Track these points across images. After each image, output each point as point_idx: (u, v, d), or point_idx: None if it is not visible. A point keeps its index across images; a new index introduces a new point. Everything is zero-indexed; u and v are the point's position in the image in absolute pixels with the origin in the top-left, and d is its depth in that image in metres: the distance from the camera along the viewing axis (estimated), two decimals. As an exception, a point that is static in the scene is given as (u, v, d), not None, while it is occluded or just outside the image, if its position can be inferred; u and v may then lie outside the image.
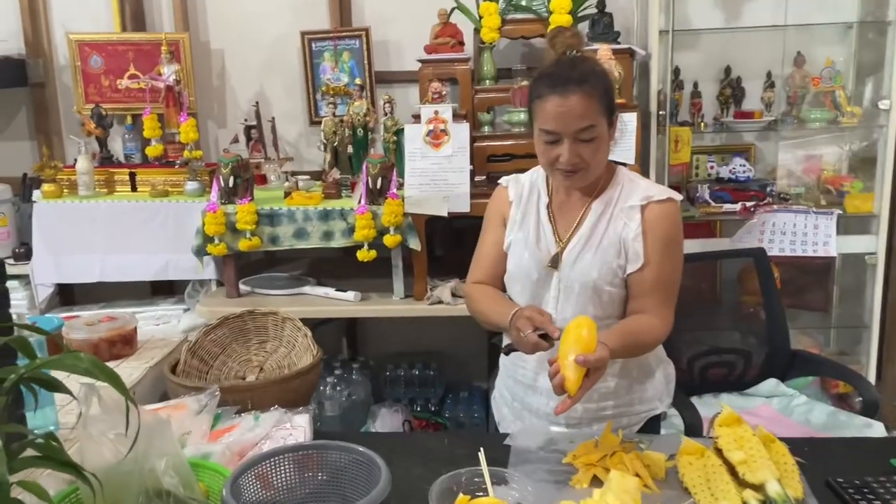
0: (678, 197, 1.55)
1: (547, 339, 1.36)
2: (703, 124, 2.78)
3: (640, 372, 1.58)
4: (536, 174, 1.64)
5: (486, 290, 1.62)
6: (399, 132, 2.74)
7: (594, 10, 2.64)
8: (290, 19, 2.98)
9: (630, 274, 1.50)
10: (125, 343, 1.64)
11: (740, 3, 2.77)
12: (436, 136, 2.41)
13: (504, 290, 1.65)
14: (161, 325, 2.73)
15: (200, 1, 2.99)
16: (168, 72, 2.77)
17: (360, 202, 2.45)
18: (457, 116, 2.42)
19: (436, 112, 2.40)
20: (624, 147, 2.40)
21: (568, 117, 1.41)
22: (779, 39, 2.71)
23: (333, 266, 2.90)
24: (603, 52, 2.39)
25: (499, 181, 1.70)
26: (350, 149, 2.79)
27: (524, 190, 1.62)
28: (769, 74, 2.81)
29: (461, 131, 2.41)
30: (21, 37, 2.98)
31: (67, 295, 2.96)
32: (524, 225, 1.59)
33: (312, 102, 2.99)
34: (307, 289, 2.61)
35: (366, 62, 2.94)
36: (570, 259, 1.52)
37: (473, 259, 1.69)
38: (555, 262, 1.53)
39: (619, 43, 2.55)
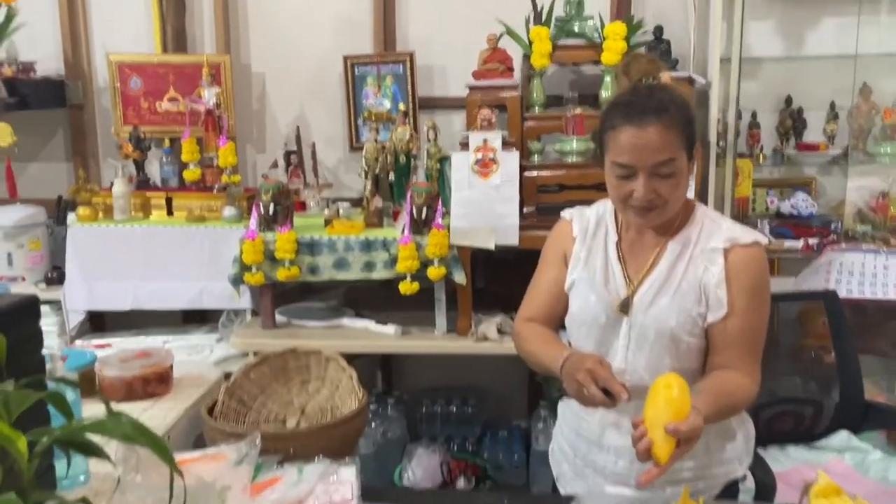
0: (764, 240, 1.42)
1: (611, 396, 1.23)
2: (761, 156, 2.65)
3: (719, 431, 1.43)
4: (603, 208, 1.52)
5: (538, 330, 1.50)
6: (443, 160, 2.65)
7: (650, 37, 2.54)
8: (333, 43, 2.91)
9: (711, 323, 1.37)
10: (160, 381, 1.54)
11: (802, 32, 2.65)
12: (484, 165, 2.31)
13: (557, 331, 1.53)
14: (193, 355, 2.64)
15: (243, 23, 2.94)
16: (209, 95, 2.71)
17: (403, 232, 2.35)
18: (506, 144, 2.32)
19: (484, 140, 2.30)
20: (683, 179, 2.28)
21: (644, 150, 1.30)
22: (843, 69, 2.58)
23: (370, 296, 2.79)
24: (664, 80, 2.28)
25: (561, 214, 1.58)
26: (391, 176, 2.70)
27: (589, 225, 1.50)
28: (833, 105, 2.67)
29: (510, 160, 2.30)
30: (61, 58, 2.95)
31: (98, 321, 2.89)
32: (590, 264, 1.47)
33: (354, 128, 2.91)
34: (345, 321, 2.51)
35: (409, 87, 2.85)
36: (644, 304, 1.39)
37: (527, 295, 1.56)
38: (625, 307, 1.40)
39: (676, 70, 2.44)
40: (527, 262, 2.54)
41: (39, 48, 2.92)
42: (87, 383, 1.56)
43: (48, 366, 1.14)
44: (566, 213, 1.56)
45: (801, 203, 2.56)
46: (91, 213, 2.63)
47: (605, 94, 2.51)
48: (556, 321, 1.52)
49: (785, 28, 2.65)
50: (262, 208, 2.35)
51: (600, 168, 1.41)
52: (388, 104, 2.88)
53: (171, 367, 1.56)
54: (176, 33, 2.89)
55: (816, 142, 2.64)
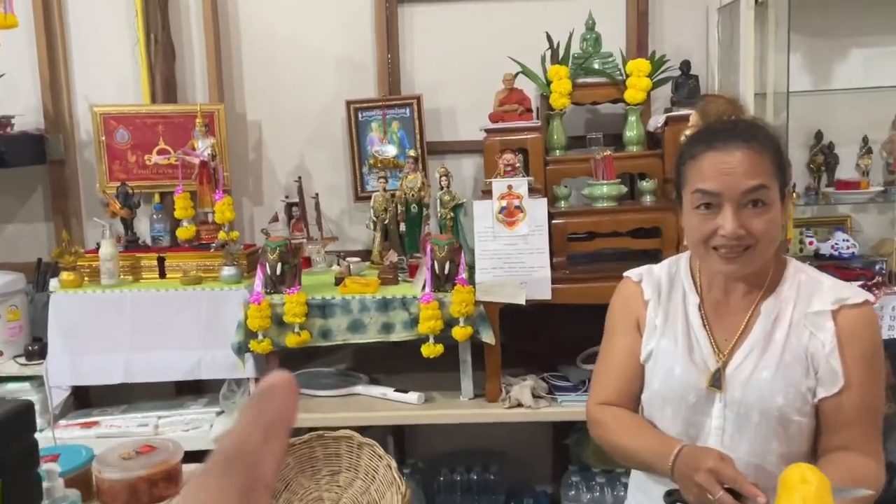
0: (871, 297, 1.24)
1: (739, 497, 1.03)
2: (795, 194, 2.49)
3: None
4: (675, 266, 1.33)
5: (625, 418, 1.29)
6: (457, 208, 2.47)
7: (676, 73, 2.40)
8: (334, 87, 2.74)
9: (824, 399, 1.18)
10: (168, 481, 1.31)
11: (829, 65, 2.53)
12: (510, 214, 2.13)
13: (637, 411, 1.33)
14: (191, 430, 2.40)
15: (237, 70, 2.77)
16: (203, 146, 2.51)
17: (424, 289, 2.15)
18: (532, 191, 2.14)
19: (509, 186, 2.13)
20: (724, 223, 2.11)
21: (732, 174, 1.13)
22: (876, 101, 2.45)
23: (381, 356, 2.57)
24: (695, 117, 2.13)
25: (625, 274, 1.39)
26: (402, 227, 2.51)
27: (662, 285, 1.32)
28: (865, 139, 2.54)
29: (538, 208, 2.13)
30: (41, 110, 2.74)
31: (81, 392, 2.62)
32: (669, 331, 1.28)
33: (359, 176, 2.73)
34: (360, 388, 2.28)
35: (417, 132, 2.68)
36: (740, 378, 1.20)
37: (598, 373, 1.37)
38: (717, 382, 1.21)
39: (707, 107, 2.29)
40: (552, 316, 2.38)
41: (17, 100, 2.72)
42: (84, 486, 1.33)
43: (45, 485, 0.92)
44: (632, 274, 1.37)
45: (841, 243, 2.40)
46: (75, 278, 2.40)
47: (630, 133, 2.36)
48: (636, 400, 1.32)
49: (811, 62, 2.53)
50: (267, 268, 2.14)
51: (676, 212, 1.23)
52: (394, 150, 2.71)
53: (181, 462, 1.34)
54: (165, 82, 2.70)
55: (852, 178, 2.50)
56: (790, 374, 1.18)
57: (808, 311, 1.20)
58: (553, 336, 2.45)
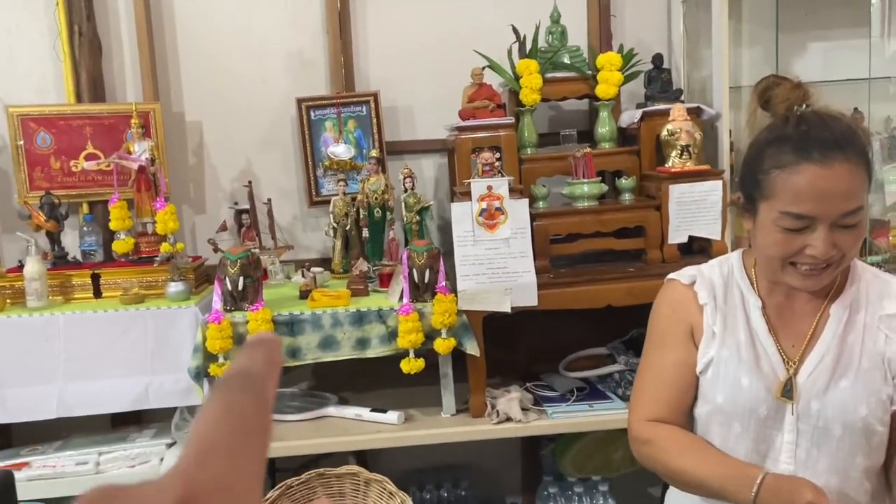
0: None
1: None
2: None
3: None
4: (727, 267, 1.24)
5: (682, 437, 1.18)
6: (423, 211, 2.33)
7: (647, 67, 2.33)
8: (282, 85, 2.54)
9: None
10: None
11: (804, 56, 2.52)
12: (490, 216, 2.00)
13: (687, 425, 1.22)
14: (137, 465, 2.15)
15: (172, 65, 2.52)
16: (140, 149, 2.26)
17: (401, 300, 1.99)
18: (513, 191, 2.02)
19: (489, 187, 2.00)
20: (708, 220, 2.06)
21: (832, 197, 1.03)
22: (855, 93, 2.46)
23: (346, 373, 2.39)
24: (677, 111, 2.07)
25: (671, 277, 1.28)
26: (365, 232, 2.35)
27: (716, 288, 1.21)
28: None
29: (520, 209, 2.01)
30: (-56, 112, 2.41)
31: (3, 432, 2.31)
32: (730, 338, 1.17)
33: (313, 179, 2.53)
34: (332, 410, 2.10)
35: (375, 131, 2.52)
36: (816, 387, 1.11)
37: (644, 386, 1.25)
38: (788, 392, 1.11)
39: (682, 102, 2.24)
40: (528, 322, 2.26)
41: (-85, 101, 2.39)
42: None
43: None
44: (681, 277, 1.26)
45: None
46: (-3, 301, 2.11)
47: (603, 130, 2.27)
48: (688, 415, 1.21)
49: (802, 52, 2.51)
50: (227, 283, 1.93)
51: (747, 217, 1.12)
52: (346, 151, 2.53)
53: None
54: (91, 79, 2.43)
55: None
56: (870, 382, 1.10)
57: (882, 314, 1.12)
58: (530, 343, 2.34)
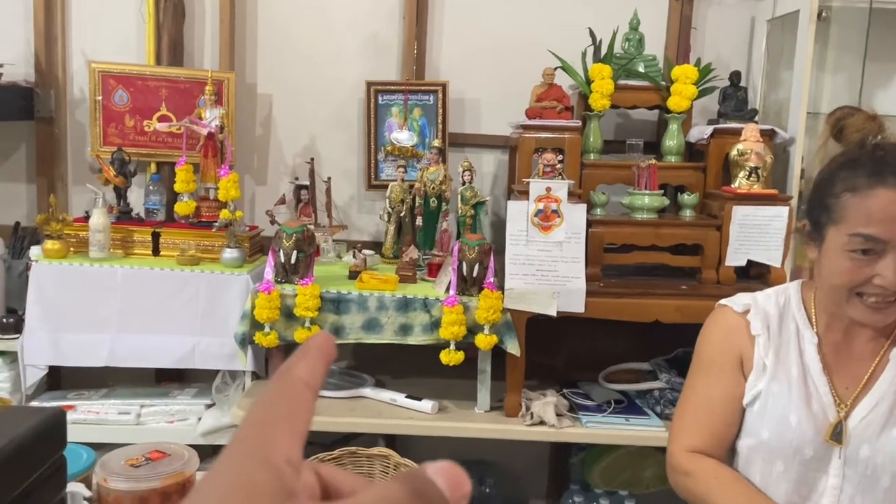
0: None
1: None
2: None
3: None
4: (784, 298, 1.20)
5: (725, 474, 1.14)
6: (478, 205, 2.33)
7: (723, 84, 2.28)
8: (354, 66, 2.57)
9: None
10: (183, 494, 1.14)
11: (885, 87, 2.44)
12: (545, 218, 1.98)
13: (726, 459, 1.19)
14: (176, 422, 2.21)
15: (250, 37, 2.57)
16: (210, 116, 2.32)
17: (448, 291, 2.00)
18: (571, 195, 2.00)
19: (548, 189, 1.98)
20: (769, 245, 2.01)
21: None
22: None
23: (385, 357, 2.41)
24: (750, 131, 2.02)
25: (723, 303, 1.25)
26: (419, 220, 2.36)
27: (771, 319, 1.18)
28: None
29: (577, 214, 1.99)
30: (31, 62, 2.51)
31: (53, 375, 2.40)
32: (781, 373, 1.14)
33: (373, 163, 2.56)
34: (368, 391, 2.12)
35: (440, 122, 2.52)
36: (868, 433, 1.07)
37: (687, 413, 1.22)
38: (838, 436, 1.08)
39: (756, 122, 2.18)
40: (572, 328, 2.24)
41: (6, 49, 2.48)
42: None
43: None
44: (734, 304, 1.22)
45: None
46: (61, 248, 2.19)
47: (671, 143, 2.23)
48: (729, 448, 1.18)
49: (871, 83, 2.42)
50: (281, 255, 1.96)
51: (812, 246, 1.09)
52: (410, 139, 2.55)
53: (195, 473, 1.17)
54: (172, 43, 2.49)
55: None
56: None
57: None
58: (571, 349, 2.32)
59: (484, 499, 2.61)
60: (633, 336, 2.23)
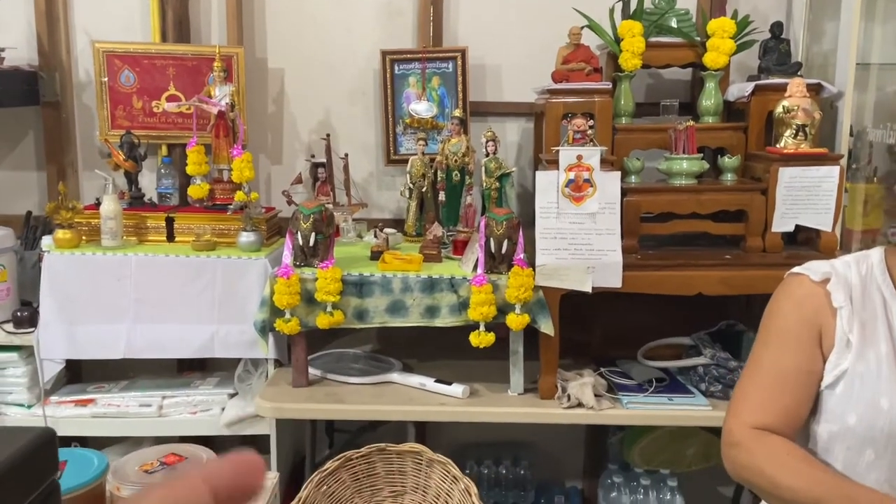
0: None
1: None
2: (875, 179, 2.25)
3: None
4: (866, 266, 1.07)
5: (797, 451, 1.03)
6: (503, 177, 2.21)
7: (763, 37, 2.13)
8: (367, 36, 2.44)
9: None
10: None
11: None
12: (577, 188, 1.86)
13: (797, 440, 1.07)
14: (199, 413, 2.15)
15: (258, 10, 2.45)
16: (220, 93, 2.21)
17: (475, 269, 1.89)
18: (604, 162, 1.87)
19: (579, 157, 1.86)
20: (819, 209, 1.87)
21: None
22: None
23: (411, 339, 2.31)
24: (796, 86, 1.87)
25: (796, 270, 1.12)
26: (441, 195, 2.24)
27: (853, 290, 1.05)
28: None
29: (610, 182, 1.86)
30: (34, 44, 2.41)
31: (73, 368, 2.33)
32: (868, 350, 1.02)
33: (392, 137, 2.44)
34: (395, 376, 2.03)
35: (460, 90, 2.40)
36: None
37: (752, 388, 1.09)
38: None
39: (800, 76, 2.03)
40: (607, 302, 2.12)
41: (8, 32, 2.39)
42: (95, 502, 1.07)
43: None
44: (810, 272, 1.09)
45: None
46: (73, 236, 2.11)
47: (708, 102, 2.09)
48: (796, 430, 1.07)
49: None
50: (299, 238, 1.86)
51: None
52: (428, 109, 2.42)
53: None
54: (178, 19, 2.38)
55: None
56: None
57: None
58: (606, 325, 2.21)
59: (519, 480, 2.53)
60: (671, 309, 2.11)
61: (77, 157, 2.50)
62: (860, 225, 2.09)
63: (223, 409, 2.12)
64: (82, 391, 2.18)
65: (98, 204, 2.16)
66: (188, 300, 2.08)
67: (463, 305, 1.88)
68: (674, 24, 2.13)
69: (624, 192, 1.88)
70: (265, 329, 1.89)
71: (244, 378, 2.11)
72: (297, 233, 1.86)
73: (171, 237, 2.20)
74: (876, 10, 2.02)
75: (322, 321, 1.86)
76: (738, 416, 1.07)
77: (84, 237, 2.16)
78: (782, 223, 1.88)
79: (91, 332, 2.07)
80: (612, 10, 2.15)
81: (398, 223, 2.41)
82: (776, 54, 2.05)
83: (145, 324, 2.07)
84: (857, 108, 2.01)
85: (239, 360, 2.14)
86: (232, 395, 2.15)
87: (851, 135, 2.06)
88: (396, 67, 2.40)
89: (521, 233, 1.90)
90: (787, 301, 1.10)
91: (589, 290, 1.84)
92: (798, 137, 1.85)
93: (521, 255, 1.88)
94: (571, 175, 1.86)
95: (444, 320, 1.90)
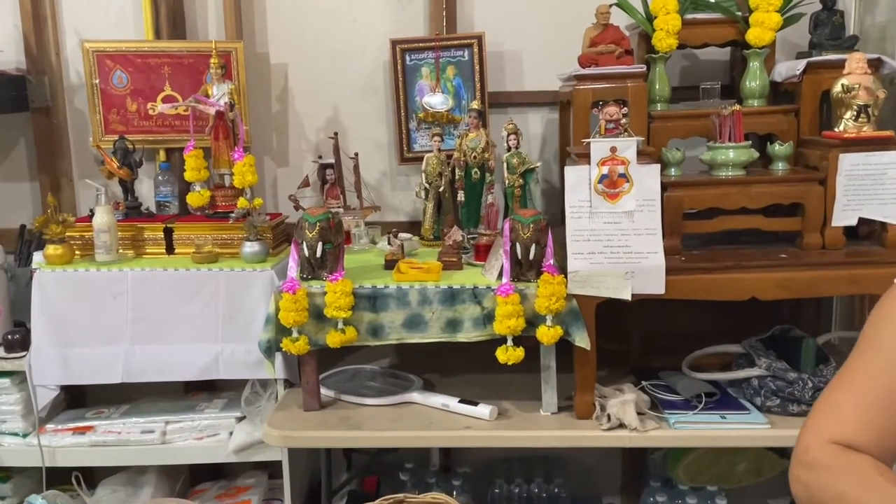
0: None
1: None
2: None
3: None
4: None
5: (887, 473, 0.84)
6: (527, 173, 2.02)
7: (812, 9, 1.92)
8: (376, 25, 2.26)
9: None
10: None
11: None
12: (611, 184, 1.67)
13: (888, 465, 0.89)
14: (206, 438, 1.99)
15: (258, 2, 2.28)
16: (218, 92, 2.05)
17: (500, 277, 1.70)
18: (641, 154, 1.68)
19: (612, 149, 1.66)
20: (885, 199, 1.66)
21: None
22: None
23: (428, 350, 2.11)
24: (855, 62, 1.66)
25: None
26: (460, 195, 2.06)
27: None
28: None
29: (649, 176, 1.67)
30: (21, 47, 2.26)
31: (75, 391, 2.18)
32: None
33: (405, 133, 2.26)
34: (415, 396, 1.85)
35: (477, 80, 2.21)
36: None
37: (842, 400, 0.89)
38: None
39: (856, 51, 1.82)
40: (647, 307, 1.92)
41: (-8, 35, 2.25)
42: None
43: None
44: None
45: None
46: (64, 252, 1.96)
47: (752, 84, 1.89)
48: (893, 460, 0.88)
49: None
50: (304, 248, 1.69)
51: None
52: (443, 102, 2.24)
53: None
54: (172, 14, 2.22)
55: None
56: None
57: None
58: (646, 332, 2.02)
59: (553, 498, 2.35)
60: (717, 313, 1.91)
61: (71, 166, 2.35)
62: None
63: (231, 433, 1.96)
64: (80, 418, 2.03)
65: (91, 215, 2.01)
66: (190, 318, 1.92)
67: (488, 318, 1.70)
68: (712, -2, 1.92)
69: (664, 187, 1.69)
70: (271, 349, 1.72)
71: (252, 401, 1.94)
72: (302, 243, 1.69)
73: (170, 249, 2.04)
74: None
75: (333, 339, 1.69)
76: (819, 432, 0.88)
77: (77, 252, 2.00)
78: (844, 216, 1.67)
79: (86, 356, 1.92)
80: (642, -14, 1.95)
81: (414, 226, 2.24)
82: (829, 27, 1.84)
83: (144, 344, 1.92)
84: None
85: (247, 380, 1.98)
86: (240, 419, 1.99)
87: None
88: (408, 58, 2.22)
89: (549, 236, 1.71)
90: (890, 309, 0.91)
91: (628, 297, 1.65)
92: (860, 119, 1.64)
93: (551, 261, 1.69)
94: (605, 170, 1.67)
95: (468, 335, 1.72)
